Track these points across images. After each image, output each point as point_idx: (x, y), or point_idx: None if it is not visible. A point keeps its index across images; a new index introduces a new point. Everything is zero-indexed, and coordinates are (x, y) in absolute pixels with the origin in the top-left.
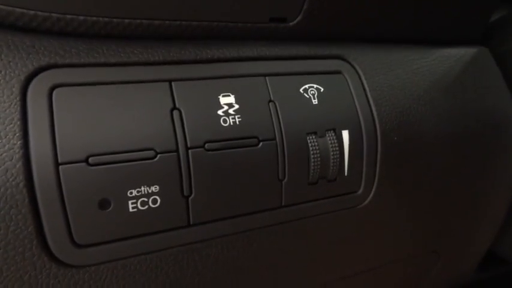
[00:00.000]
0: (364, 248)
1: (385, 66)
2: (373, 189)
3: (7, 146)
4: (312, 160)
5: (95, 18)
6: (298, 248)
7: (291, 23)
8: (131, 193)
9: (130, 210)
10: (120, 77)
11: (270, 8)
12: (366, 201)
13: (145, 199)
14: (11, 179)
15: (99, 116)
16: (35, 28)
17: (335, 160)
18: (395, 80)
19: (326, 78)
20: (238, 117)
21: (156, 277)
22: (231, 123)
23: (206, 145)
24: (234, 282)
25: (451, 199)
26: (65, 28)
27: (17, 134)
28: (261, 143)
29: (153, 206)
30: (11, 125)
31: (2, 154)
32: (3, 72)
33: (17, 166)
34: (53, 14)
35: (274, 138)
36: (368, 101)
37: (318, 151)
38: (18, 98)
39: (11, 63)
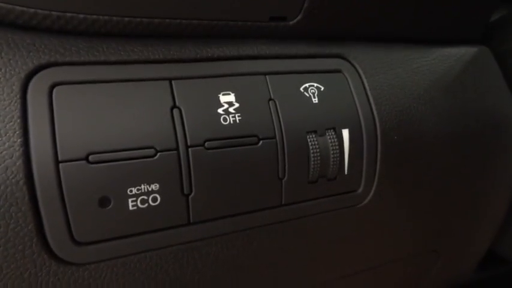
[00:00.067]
0: (364, 247)
1: (385, 65)
2: (373, 188)
3: (7, 143)
4: (312, 159)
5: (95, 16)
6: (298, 247)
7: (291, 22)
8: (131, 191)
9: (130, 208)
10: (120, 75)
11: (270, 6)
12: (366, 200)
13: (145, 197)
14: (11, 177)
15: (99, 114)
16: (35, 26)
17: (335, 159)
18: (396, 79)
19: (326, 77)
20: (238, 116)
21: (156, 275)
22: (231, 122)
23: (206, 143)
24: (234, 280)
25: (451, 198)
26: (65, 26)
27: (17, 132)
28: (261, 142)
29: (153, 204)
30: (11, 123)
31: (2, 152)
32: (3, 70)
33: (17, 164)
34: (53, 12)
35: (274, 137)
36: (368, 100)
37: (318, 150)
38: (18, 96)
39: (11, 61)
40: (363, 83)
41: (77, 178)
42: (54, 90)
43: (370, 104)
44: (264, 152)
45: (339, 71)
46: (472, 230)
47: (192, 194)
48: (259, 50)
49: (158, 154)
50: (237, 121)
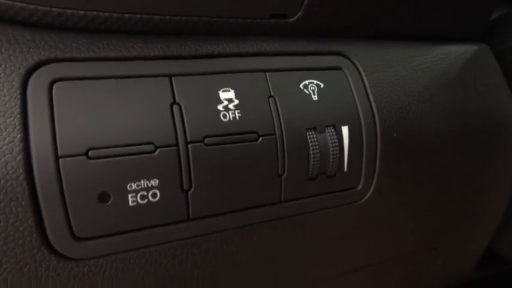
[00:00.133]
0: (363, 244)
1: (385, 63)
2: (373, 185)
3: (7, 139)
4: (312, 156)
5: (95, 12)
6: (298, 243)
7: (291, 19)
8: (131, 187)
9: (130, 203)
10: (121, 72)
11: (270, 3)
12: (366, 197)
13: (145, 193)
14: (11, 172)
15: (99, 110)
16: (35, 22)
17: (334, 156)
18: (396, 76)
19: (326, 74)
20: (238, 113)
21: (155, 271)
22: (231, 118)
23: (206, 140)
24: (233, 277)
25: (451, 196)
26: (65, 22)
27: (17, 127)
28: (260, 138)
29: (152, 199)
30: (11, 118)
31: (2, 147)
32: (3, 66)
33: (17, 159)
34: (53, 9)
35: (274, 134)
36: (368, 98)
37: (317, 147)
38: (18, 92)
39: (11, 57)
40: (362, 80)
41: (76, 173)
42: (54, 86)
43: (369, 101)
44: (264, 148)
45: (338, 69)
46: (472, 227)
47: (192, 190)
48: (259, 47)
49: (158, 150)
50: (237, 118)
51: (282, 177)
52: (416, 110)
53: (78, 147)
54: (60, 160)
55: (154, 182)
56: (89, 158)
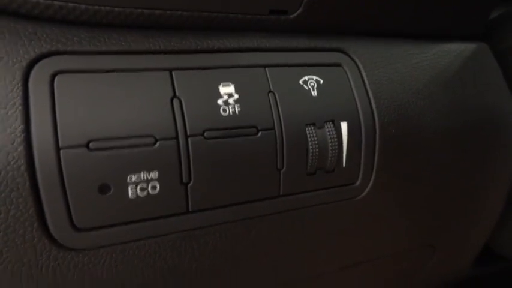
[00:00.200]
0: (361, 240)
1: (384, 60)
2: (371, 182)
3: (9, 130)
4: (311, 151)
5: (96, 7)
6: (296, 238)
7: (291, 16)
8: (131, 179)
9: (130, 195)
10: (122, 65)
11: (271, 0)
12: (364, 193)
13: (145, 185)
14: (12, 162)
15: (100, 103)
16: (37, 15)
17: (333, 151)
18: (395, 74)
19: (326, 70)
20: (237, 107)
21: (154, 263)
22: (231, 113)
23: (206, 133)
24: (232, 270)
25: (449, 194)
26: (67, 16)
27: (19, 119)
28: (260, 133)
29: (152, 192)
30: (13, 110)
31: (3, 138)
32: (5, 58)
33: (19, 150)
34: (55, 2)
35: (273, 128)
36: (367, 94)
37: (316, 142)
38: (20, 84)
39: (13, 50)
40: (362, 77)
41: (77, 164)
42: (56, 79)
43: (369, 97)
44: (263, 143)
45: (338, 65)
46: (469, 225)
47: (191, 183)
48: (259, 43)
49: (158, 143)
50: (237, 112)
51: (281, 171)
52: (415, 107)
53: (79, 139)
54: (61, 151)
55: (154, 175)
56: (89, 149)
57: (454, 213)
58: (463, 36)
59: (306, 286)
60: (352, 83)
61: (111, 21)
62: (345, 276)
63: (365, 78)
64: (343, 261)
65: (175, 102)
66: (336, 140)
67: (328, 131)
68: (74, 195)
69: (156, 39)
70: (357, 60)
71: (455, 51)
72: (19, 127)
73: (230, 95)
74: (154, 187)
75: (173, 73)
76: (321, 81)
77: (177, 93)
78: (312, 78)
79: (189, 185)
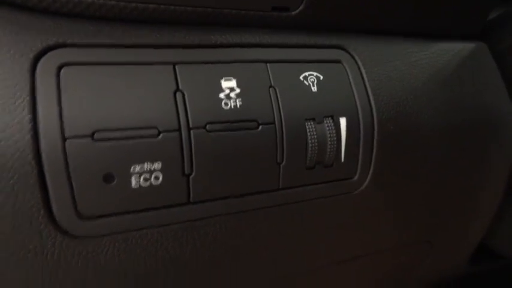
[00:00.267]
0: (359, 234)
1: (384, 58)
2: (369, 176)
3: (16, 119)
4: (310, 145)
5: (102, 1)
6: (295, 231)
7: (293, 12)
8: (134, 169)
9: (133, 185)
10: (126, 58)
11: None
12: (362, 188)
13: (148, 175)
14: (20, 151)
15: (105, 94)
16: (44, 8)
17: (332, 146)
18: (394, 71)
19: (326, 66)
20: (239, 101)
21: (156, 252)
22: (232, 107)
23: (207, 126)
24: (231, 261)
25: (446, 190)
26: (73, 9)
27: (26, 109)
28: (260, 127)
29: (154, 182)
30: (21, 100)
31: (11, 127)
32: (13, 50)
33: (26, 139)
34: None
35: (274, 123)
36: (366, 91)
37: (315, 137)
38: (27, 75)
39: (21, 42)
40: (361, 73)
41: (82, 154)
42: (62, 71)
43: (367, 94)
44: (263, 136)
45: (338, 62)
46: (466, 222)
47: (193, 174)
48: (261, 39)
49: (161, 134)
50: (238, 106)
51: (281, 165)
52: (413, 105)
53: (84, 129)
54: (67, 141)
55: (157, 165)
56: (94, 139)
57: (451, 210)
58: (462, 35)
59: (305, 279)
60: (351, 80)
61: (116, 14)
62: (343, 270)
63: (364, 75)
64: (341, 254)
65: (178, 95)
66: (334, 135)
67: (328, 126)
68: (79, 184)
69: (160, 33)
70: (356, 57)
71: (454, 50)
72: (27, 117)
73: (232, 89)
74: (157, 178)
75: (176, 67)
76: (321, 77)
77: (180, 87)
78: (312, 74)
79: (191, 177)
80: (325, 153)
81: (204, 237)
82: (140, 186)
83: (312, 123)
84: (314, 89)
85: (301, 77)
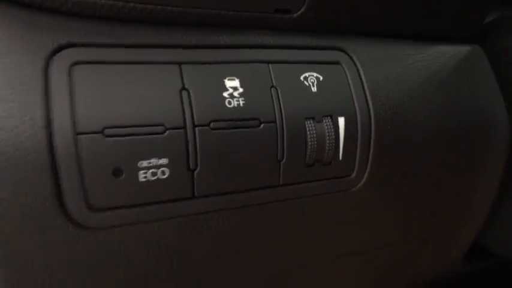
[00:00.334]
0: (356, 230)
1: (382, 60)
2: (366, 175)
3: (31, 115)
4: (309, 143)
5: (111, 2)
6: (295, 226)
7: (294, 15)
8: (142, 164)
9: (140, 179)
10: (135, 58)
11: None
12: (359, 185)
13: (155, 170)
14: (34, 145)
15: (115, 92)
16: (56, 9)
17: (330, 144)
18: (391, 73)
19: (325, 67)
20: (242, 100)
21: (161, 243)
22: (235, 105)
23: (212, 124)
24: (233, 255)
25: (440, 190)
26: (84, 10)
27: (41, 106)
28: (262, 125)
29: (161, 177)
30: (35, 97)
31: (27, 123)
32: (27, 49)
33: (40, 134)
34: None
35: (275, 121)
36: (364, 91)
37: (315, 135)
38: (41, 73)
39: (34, 41)
40: (359, 75)
41: (93, 149)
42: (74, 69)
43: (365, 95)
44: (265, 134)
45: (337, 63)
46: (460, 221)
47: (197, 169)
48: (263, 40)
49: (167, 131)
50: (241, 105)
51: (281, 162)
52: (410, 106)
53: (95, 125)
54: (78, 136)
55: (163, 161)
56: (104, 135)
57: (446, 209)
58: (458, 38)
59: (304, 273)
60: (350, 81)
61: (126, 15)
62: (341, 265)
63: (362, 76)
64: (340, 249)
65: (184, 94)
66: (333, 134)
67: (326, 125)
68: (90, 178)
69: (167, 34)
70: (355, 59)
71: (450, 53)
72: (41, 113)
73: (235, 89)
74: (163, 172)
75: (182, 66)
76: (321, 78)
77: (186, 86)
78: (312, 75)
79: (196, 172)
80: (323, 151)
81: (207, 231)
82: (147, 180)
83: (311, 122)
84: (314, 89)
85: (301, 78)
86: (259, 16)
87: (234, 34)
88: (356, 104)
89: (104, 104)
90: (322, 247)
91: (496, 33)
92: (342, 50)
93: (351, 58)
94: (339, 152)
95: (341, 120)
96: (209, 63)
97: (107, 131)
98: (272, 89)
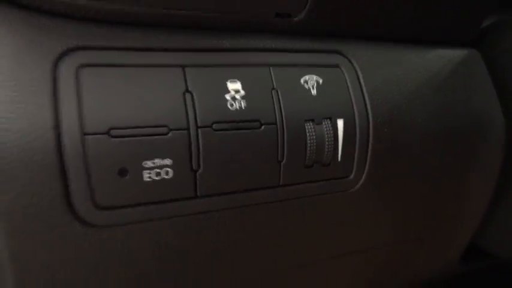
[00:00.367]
0: (355, 230)
1: (380, 63)
2: (364, 176)
3: (40, 116)
4: (309, 145)
5: (117, 7)
6: (294, 226)
7: (295, 19)
8: (146, 164)
9: (145, 179)
10: (140, 61)
11: (277, 4)
12: (357, 186)
13: (159, 170)
14: (43, 145)
15: (121, 94)
16: (63, 12)
17: (329, 146)
18: (390, 76)
19: (325, 71)
20: (243, 102)
21: (164, 242)
22: (237, 107)
23: (214, 125)
24: (234, 254)
25: (437, 192)
26: (91, 15)
27: (49, 107)
28: (263, 127)
29: (165, 176)
30: (44, 98)
31: (36, 123)
32: (36, 52)
33: (49, 135)
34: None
35: (275, 123)
36: (363, 94)
37: (314, 137)
38: (49, 75)
39: (44, 44)
40: (358, 78)
41: (99, 149)
42: (81, 71)
43: (364, 98)
44: (266, 136)
45: (337, 66)
46: (456, 222)
47: (200, 170)
48: (264, 44)
49: (171, 132)
50: (243, 107)
51: (281, 163)
52: (407, 109)
53: (101, 126)
54: (85, 137)
55: (167, 161)
56: (110, 136)
57: (443, 210)
58: (456, 42)
59: (303, 272)
60: (349, 84)
61: (131, 20)
62: (340, 264)
63: (361, 80)
64: (338, 249)
65: (187, 96)
66: (332, 136)
67: (326, 127)
68: (97, 177)
69: (171, 38)
70: (354, 62)
71: (447, 56)
72: (49, 114)
73: (237, 91)
74: (167, 172)
75: (186, 69)
76: (320, 81)
77: (189, 88)
78: (312, 78)
79: (198, 172)
80: (323, 152)
81: (209, 230)
82: (151, 180)
83: (311, 124)
84: (314, 92)
85: (301, 81)
86: (260, 20)
87: (236, 38)
88: (355, 107)
89: (110, 105)
90: (321, 247)
91: (493, 37)
92: (342, 54)
93: (350, 62)
94: (337, 154)
95: (340, 123)
96: (212, 66)
97: (113, 132)
98: (273, 91)
